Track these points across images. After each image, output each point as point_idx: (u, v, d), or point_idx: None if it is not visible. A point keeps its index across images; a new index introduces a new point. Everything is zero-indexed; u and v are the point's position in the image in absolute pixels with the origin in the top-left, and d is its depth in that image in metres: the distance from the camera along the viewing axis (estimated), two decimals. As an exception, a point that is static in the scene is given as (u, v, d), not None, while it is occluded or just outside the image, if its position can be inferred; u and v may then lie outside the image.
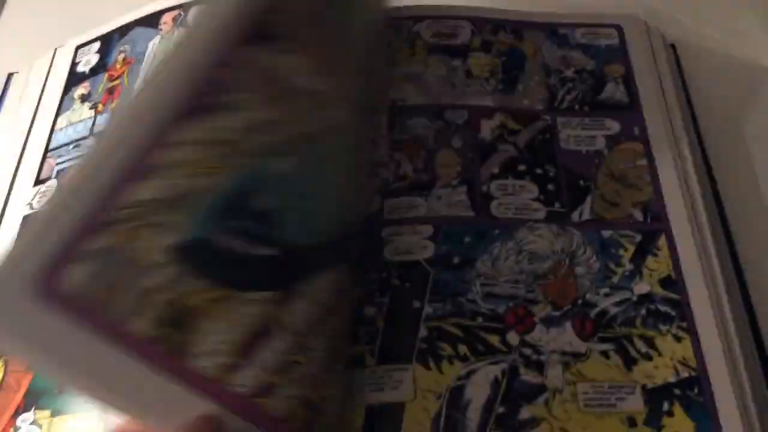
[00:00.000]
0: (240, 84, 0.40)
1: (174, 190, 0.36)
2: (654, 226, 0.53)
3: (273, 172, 0.40)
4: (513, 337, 0.49)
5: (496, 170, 0.56)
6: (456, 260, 0.52)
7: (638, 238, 0.53)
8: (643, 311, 0.50)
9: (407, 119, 0.58)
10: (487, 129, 0.58)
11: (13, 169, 0.60)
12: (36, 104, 0.63)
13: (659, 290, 0.51)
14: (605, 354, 0.48)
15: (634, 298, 0.50)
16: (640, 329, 0.49)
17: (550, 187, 0.55)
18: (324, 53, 0.45)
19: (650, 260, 0.52)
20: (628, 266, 0.52)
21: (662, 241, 0.53)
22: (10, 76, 0.68)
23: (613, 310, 0.50)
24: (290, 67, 0.42)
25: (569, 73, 0.62)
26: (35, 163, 0.60)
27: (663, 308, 0.50)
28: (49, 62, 0.65)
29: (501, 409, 0.46)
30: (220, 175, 0.38)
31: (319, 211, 0.42)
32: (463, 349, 0.48)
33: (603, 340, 0.49)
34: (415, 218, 0.53)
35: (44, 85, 0.64)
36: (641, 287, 0.51)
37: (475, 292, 0.51)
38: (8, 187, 0.59)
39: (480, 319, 0.50)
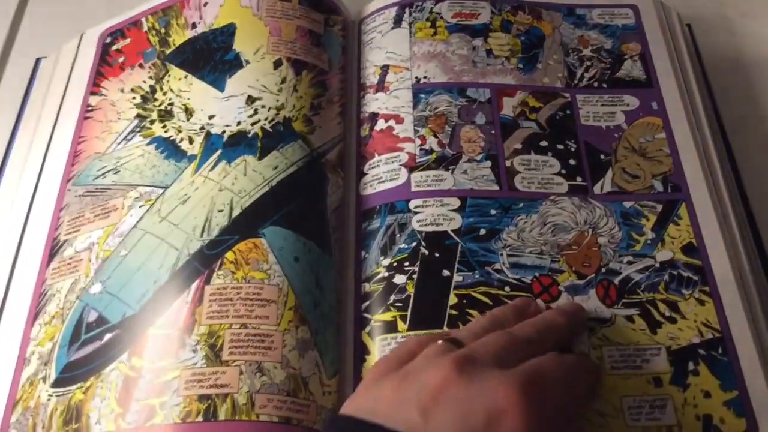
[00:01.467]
0: None
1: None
2: (674, 196, 0.55)
3: (90, 298, 0.52)
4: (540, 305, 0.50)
5: (518, 146, 0.57)
6: (482, 231, 0.53)
7: (659, 207, 0.54)
8: (666, 277, 0.51)
9: (431, 96, 0.59)
10: (509, 106, 0.59)
11: (44, 150, 0.61)
12: (65, 86, 0.65)
13: (681, 256, 0.52)
14: (630, 318, 0.50)
15: (657, 265, 0.52)
16: (663, 294, 0.51)
17: (572, 161, 0.57)
18: None
19: (672, 228, 0.53)
20: (650, 235, 0.53)
21: (683, 210, 0.54)
22: (38, 60, 0.70)
23: (637, 277, 0.51)
24: None
25: (587, 51, 0.63)
26: (67, 137, 0.61)
27: (685, 273, 0.51)
28: (77, 46, 0.67)
29: (530, 372, 0.48)
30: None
31: (137, 287, 0.51)
32: (492, 316, 0.50)
33: (627, 305, 0.50)
34: (442, 191, 0.55)
35: (72, 67, 0.66)
36: (664, 254, 0.52)
37: (502, 262, 0.52)
38: (40, 165, 0.60)
39: (507, 288, 0.51)
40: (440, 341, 0.43)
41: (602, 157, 0.57)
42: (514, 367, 0.40)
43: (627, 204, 0.55)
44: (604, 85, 0.61)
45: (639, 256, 0.52)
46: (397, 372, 0.41)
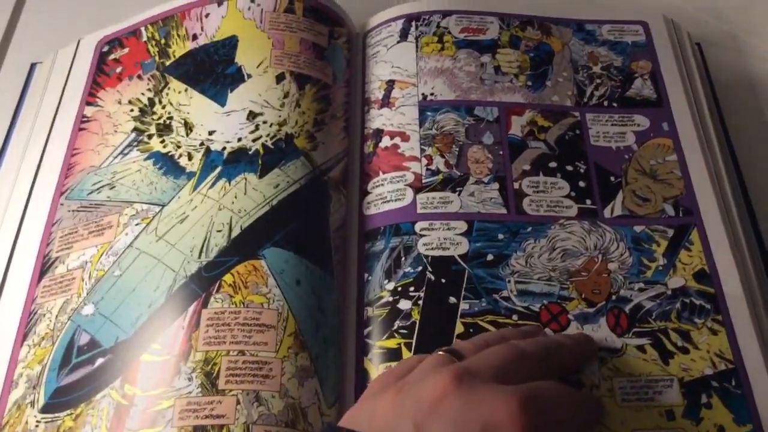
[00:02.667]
0: None
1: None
2: (686, 220, 0.53)
3: (82, 320, 0.50)
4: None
5: (527, 167, 0.56)
6: (490, 257, 0.51)
7: (670, 232, 0.53)
8: (678, 305, 0.50)
9: (438, 114, 0.58)
10: (517, 126, 0.58)
11: (38, 156, 0.59)
12: (60, 95, 0.63)
13: (693, 284, 0.51)
14: (641, 348, 0.48)
15: (669, 292, 0.50)
16: (675, 323, 0.49)
17: (581, 183, 0.55)
18: None
19: (683, 254, 0.52)
20: (662, 261, 0.52)
21: (695, 235, 0.53)
22: (33, 66, 0.68)
23: (648, 305, 0.50)
24: None
25: (597, 69, 0.61)
26: (60, 149, 0.59)
27: (698, 301, 0.50)
28: (73, 53, 0.65)
29: (539, 405, 0.46)
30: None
31: (131, 309, 0.49)
32: (499, 345, 0.48)
33: (639, 334, 0.49)
34: (448, 214, 0.53)
35: (68, 75, 0.64)
36: (675, 281, 0.51)
37: (510, 290, 0.50)
38: (33, 176, 0.59)
39: (515, 317, 0.49)
40: (440, 352, 0.42)
41: (612, 179, 0.55)
42: (514, 384, 0.38)
43: (638, 228, 0.53)
44: (614, 104, 0.59)
45: (650, 283, 0.51)
46: (396, 384, 0.40)
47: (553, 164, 0.56)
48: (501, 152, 0.56)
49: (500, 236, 0.52)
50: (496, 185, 0.54)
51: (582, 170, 0.56)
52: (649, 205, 0.54)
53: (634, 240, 0.52)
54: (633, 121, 0.58)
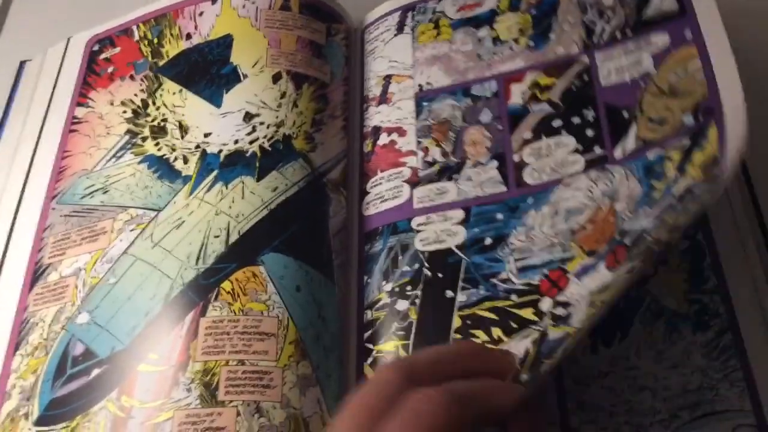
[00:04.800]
0: None
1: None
2: (705, 121, 0.47)
3: (77, 329, 0.50)
4: (546, 303, 0.46)
5: (528, 135, 0.53)
6: (488, 241, 0.50)
7: (687, 142, 0.47)
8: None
9: (434, 103, 0.56)
10: (517, 93, 0.55)
11: (29, 159, 0.59)
12: (50, 95, 0.62)
13: (699, 175, 0.44)
14: (630, 270, 0.43)
15: (674, 202, 0.44)
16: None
17: (589, 132, 0.51)
18: None
19: (696, 155, 0.46)
20: (672, 174, 0.46)
21: (712, 131, 0.46)
22: (22, 64, 0.68)
23: (649, 225, 0.45)
24: None
25: (608, 1, 0.56)
26: (51, 151, 0.59)
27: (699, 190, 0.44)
28: (63, 51, 0.65)
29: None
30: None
31: (127, 318, 0.49)
32: (496, 332, 0.46)
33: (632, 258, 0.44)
34: (444, 204, 0.52)
35: (58, 75, 0.63)
36: (680, 186, 0.45)
37: (509, 270, 0.48)
38: (24, 179, 0.59)
39: (514, 297, 0.47)
40: None
41: (625, 114, 0.51)
42: None
43: (651, 156, 0.48)
44: (628, 32, 0.54)
45: (656, 203, 0.46)
46: None
47: (557, 123, 0.53)
48: (500, 127, 0.54)
49: (499, 216, 0.50)
50: (495, 163, 0.52)
51: (590, 118, 0.52)
52: (667, 125, 0.49)
53: (646, 169, 0.48)
54: (649, 42, 0.53)
